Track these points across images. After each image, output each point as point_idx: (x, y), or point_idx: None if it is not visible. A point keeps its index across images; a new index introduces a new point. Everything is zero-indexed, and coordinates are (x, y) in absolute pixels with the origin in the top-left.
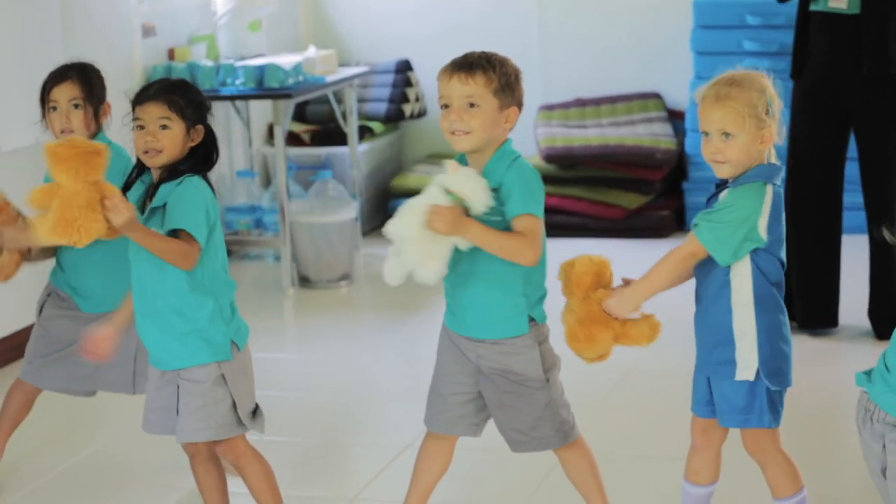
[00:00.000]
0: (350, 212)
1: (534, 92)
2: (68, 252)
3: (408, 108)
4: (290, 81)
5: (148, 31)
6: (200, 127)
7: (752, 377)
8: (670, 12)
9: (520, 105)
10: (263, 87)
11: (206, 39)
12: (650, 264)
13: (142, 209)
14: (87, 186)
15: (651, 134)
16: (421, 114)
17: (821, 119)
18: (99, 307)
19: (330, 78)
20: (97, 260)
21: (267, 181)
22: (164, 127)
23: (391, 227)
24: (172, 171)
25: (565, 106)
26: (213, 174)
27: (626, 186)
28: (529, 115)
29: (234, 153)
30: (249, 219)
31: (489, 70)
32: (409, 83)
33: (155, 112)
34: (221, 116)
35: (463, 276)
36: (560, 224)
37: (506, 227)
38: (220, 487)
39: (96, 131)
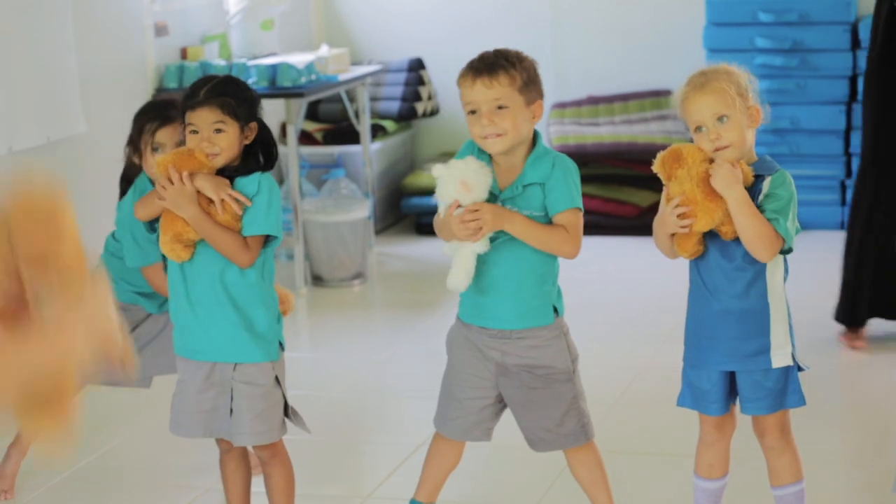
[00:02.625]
0: (363, 210)
1: (546, 90)
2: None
3: (420, 107)
4: (303, 80)
5: (160, 31)
6: (254, 124)
7: (791, 362)
8: (683, 9)
9: (542, 96)
10: (276, 86)
11: (218, 38)
12: (662, 261)
13: None
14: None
15: (663, 132)
16: (434, 112)
17: None
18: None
19: (342, 77)
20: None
21: (280, 180)
22: (219, 130)
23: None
24: (238, 169)
25: (578, 104)
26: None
27: (638, 184)
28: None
29: None
30: None
31: (510, 68)
32: (421, 81)
33: (209, 117)
34: None
35: (493, 265)
36: None
37: (547, 221)
38: (245, 486)
39: None
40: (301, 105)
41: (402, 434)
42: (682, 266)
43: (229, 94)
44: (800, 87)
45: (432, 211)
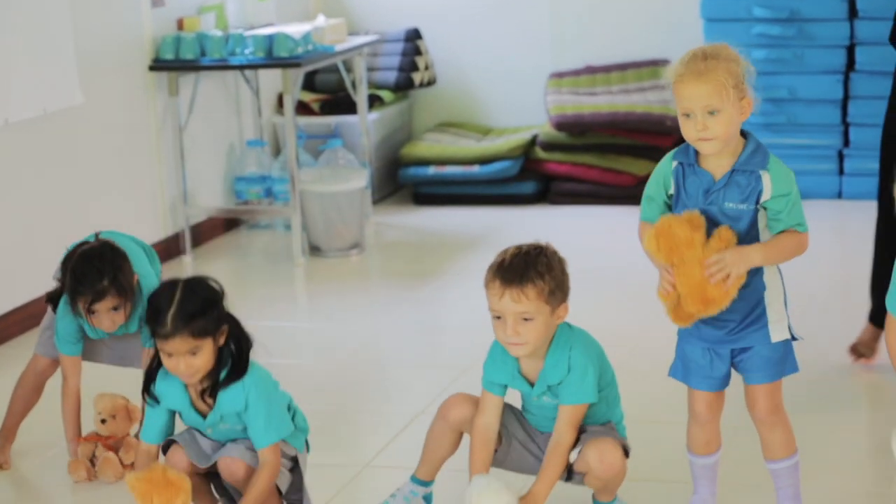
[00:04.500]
0: (360, 180)
1: (544, 60)
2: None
3: (417, 77)
4: (300, 51)
5: (157, 1)
6: (225, 327)
7: (788, 335)
8: None
9: (568, 296)
10: (273, 56)
11: (214, 9)
12: None
13: (195, 410)
14: None
15: (661, 101)
16: (431, 82)
17: None
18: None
19: (339, 47)
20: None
21: (277, 150)
22: (195, 353)
23: None
24: (221, 377)
25: (575, 73)
26: (224, 144)
27: (636, 153)
28: (539, 83)
29: (243, 123)
30: (259, 188)
31: (539, 280)
32: (418, 52)
33: (182, 346)
34: (231, 86)
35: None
36: (570, 191)
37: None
38: None
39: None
40: (298, 75)
41: (400, 403)
42: None
43: (197, 313)
44: (797, 56)
45: (429, 181)
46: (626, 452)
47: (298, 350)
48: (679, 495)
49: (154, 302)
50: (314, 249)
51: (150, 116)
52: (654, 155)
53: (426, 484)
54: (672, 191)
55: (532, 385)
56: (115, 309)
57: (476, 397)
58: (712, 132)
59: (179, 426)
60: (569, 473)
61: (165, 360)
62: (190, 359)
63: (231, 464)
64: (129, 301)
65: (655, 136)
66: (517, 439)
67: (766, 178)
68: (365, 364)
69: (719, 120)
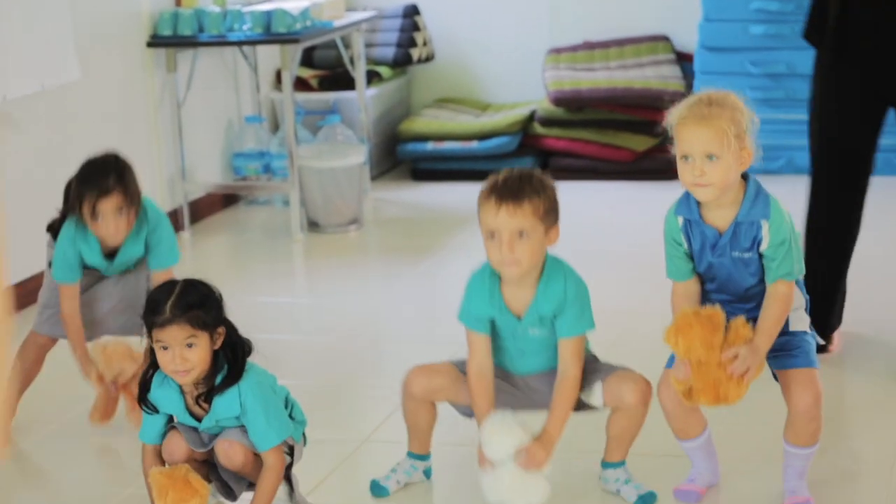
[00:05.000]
0: (359, 156)
1: (542, 35)
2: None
3: (416, 53)
4: (298, 26)
5: None
6: (222, 328)
7: (807, 328)
8: None
9: (559, 219)
10: (271, 32)
11: None
12: (658, 206)
13: (190, 414)
14: None
15: (659, 76)
16: (429, 58)
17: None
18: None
19: (337, 23)
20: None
21: (275, 126)
22: (191, 345)
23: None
24: (216, 382)
25: (573, 49)
26: (222, 120)
27: (634, 129)
28: (537, 59)
29: (241, 99)
30: (258, 164)
31: (535, 196)
32: (416, 27)
33: (179, 335)
34: (229, 62)
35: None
36: (569, 167)
37: (552, 337)
38: None
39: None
40: (296, 51)
41: (399, 377)
42: None
43: (196, 305)
44: (795, 31)
45: (428, 156)
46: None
47: (297, 325)
48: (681, 469)
49: (153, 296)
50: (312, 225)
51: (148, 92)
52: (652, 130)
53: (423, 458)
54: (685, 247)
55: (519, 317)
56: (120, 211)
57: (432, 364)
58: (709, 178)
59: None
60: (577, 407)
61: (161, 356)
62: (186, 352)
63: (228, 448)
64: (135, 207)
65: (653, 112)
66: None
67: (765, 228)
68: (363, 339)
69: (717, 167)
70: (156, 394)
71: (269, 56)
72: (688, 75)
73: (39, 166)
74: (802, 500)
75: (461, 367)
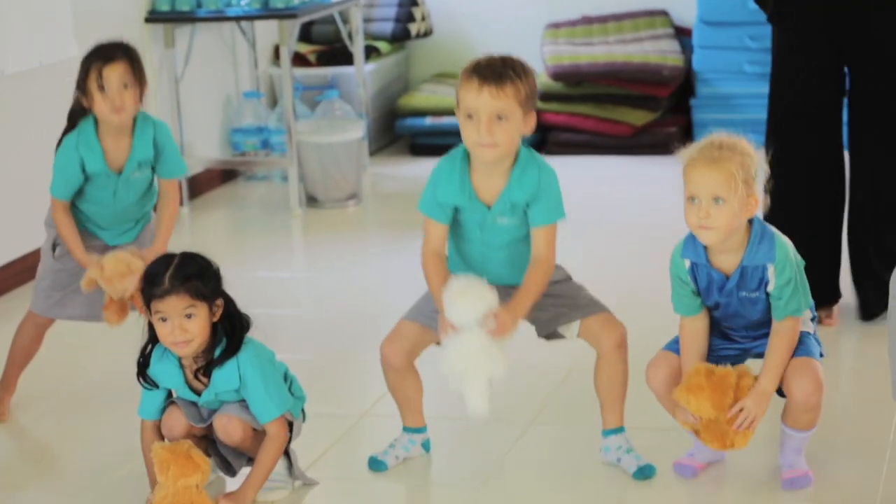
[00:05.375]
0: (357, 131)
1: (540, 10)
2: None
3: (414, 28)
4: (296, 1)
5: None
6: (220, 301)
7: (810, 328)
8: None
9: (536, 108)
10: (269, 7)
11: None
12: (658, 181)
13: (190, 387)
14: (180, 490)
15: (658, 51)
16: (427, 33)
17: (815, 67)
18: (121, 238)
19: None
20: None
21: (273, 102)
22: (190, 316)
23: (451, 366)
24: (215, 355)
25: (572, 24)
26: (220, 95)
27: (633, 103)
28: (536, 34)
29: (240, 74)
30: (256, 139)
31: (517, 80)
32: (414, 2)
33: (178, 305)
34: (227, 37)
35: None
36: (568, 142)
37: (521, 228)
38: None
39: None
40: (294, 26)
41: None
42: (677, 185)
43: (194, 276)
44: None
45: (426, 131)
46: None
47: (296, 300)
48: (683, 442)
49: (151, 269)
50: (311, 200)
51: (146, 68)
52: (651, 105)
53: (419, 430)
54: (692, 286)
55: (489, 206)
56: (126, 87)
57: (392, 331)
58: (714, 222)
59: None
60: (549, 335)
61: (160, 328)
62: (185, 323)
63: (227, 423)
64: (141, 88)
65: (652, 86)
66: None
67: (771, 270)
68: (362, 314)
69: (723, 211)
70: (155, 368)
71: (267, 31)
72: (686, 50)
73: (35, 143)
74: (801, 473)
75: (415, 317)
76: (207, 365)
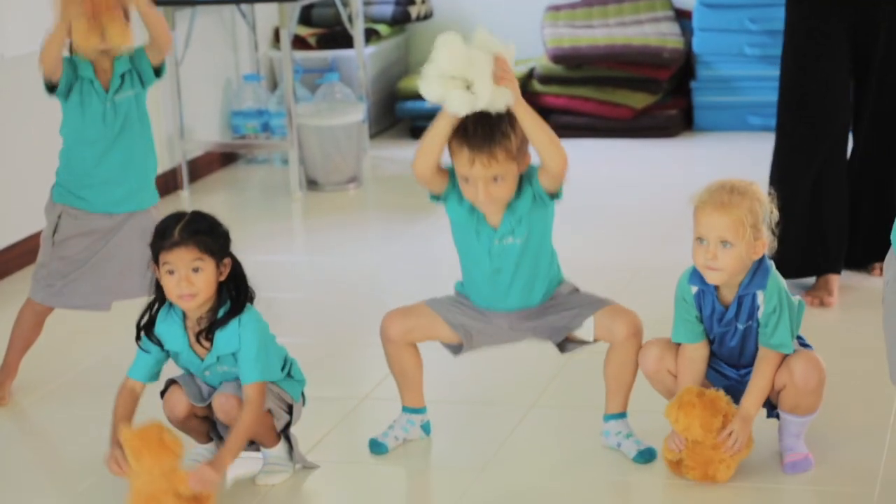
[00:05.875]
0: (357, 114)
1: None
2: (77, 165)
3: (414, 10)
4: None
5: None
6: (228, 260)
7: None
8: None
9: (528, 144)
10: None
11: None
12: (658, 164)
13: (192, 351)
14: (156, 478)
15: (658, 33)
16: (427, 16)
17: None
18: (112, 206)
19: None
20: (111, 164)
21: (273, 85)
22: (197, 269)
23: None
24: (218, 316)
25: (572, 6)
26: (220, 78)
27: (633, 86)
28: (536, 16)
29: (240, 57)
30: (256, 122)
31: (505, 140)
32: None
33: (186, 257)
34: (227, 20)
35: (510, 284)
36: (568, 124)
37: (528, 247)
38: None
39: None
40: (294, 9)
41: None
42: (677, 168)
43: (204, 231)
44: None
45: (426, 114)
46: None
47: (296, 284)
48: None
49: (162, 223)
50: (311, 183)
51: None
52: (652, 88)
53: (418, 411)
54: (697, 313)
55: (495, 228)
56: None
57: (406, 306)
58: (721, 263)
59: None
60: (561, 344)
61: (167, 281)
62: (192, 276)
63: (225, 401)
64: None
65: (652, 69)
66: (475, 327)
67: (761, 297)
68: (363, 297)
69: (730, 254)
70: (160, 328)
71: (267, 14)
72: (686, 32)
73: (35, 126)
74: (801, 456)
75: (435, 306)
76: (210, 327)
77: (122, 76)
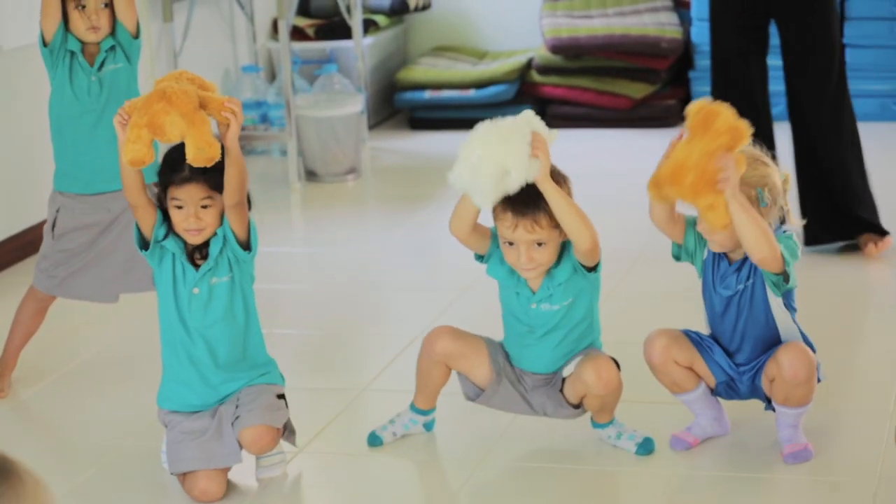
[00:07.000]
0: (356, 105)
1: None
2: (68, 142)
3: (412, 1)
4: None
5: None
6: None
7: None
8: None
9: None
10: None
11: None
12: (657, 153)
13: (192, 262)
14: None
15: (656, 23)
16: (426, 6)
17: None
18: (107, 184)
19: None
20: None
21: (272, 76)
22: (206, 206)
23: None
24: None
25: None
26: (219, 70)
27: (632, 76)
28: (535, 6)
29: (238, 49)
30: (255, 114)
31: (547, 206)
32: None
33: (197, 193)
34: (226, 11)
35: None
36: (566, 115)
37: (570, 316)
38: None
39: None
40: (292, 0)
41: (397, 327)
42: None
43: (214, 168)
44: None
45: (425, 105)
46: (618, 367)
47: (296, 275)
48: (681, 415)
49: (170, 155)
50: (310, 174)
51: (144, 43)
52: (650, 78)
53: (426, 412)
54: (704, 256)
55: (534, 291)
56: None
57: (460, 330)
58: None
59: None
60: (576, 406)
61: (175, 214)
62: (201, 212)
63: (258, 438)
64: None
65: (651, 59)
66: (507, 377)
67: None
68: (362, 288)
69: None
70: (159, 232)
71: (265, 5)
72: (685, 22)
73: (34, 119)
74: (801, 447)
75: (489, 346)
76: (205, 243)
77: (106, 51)
